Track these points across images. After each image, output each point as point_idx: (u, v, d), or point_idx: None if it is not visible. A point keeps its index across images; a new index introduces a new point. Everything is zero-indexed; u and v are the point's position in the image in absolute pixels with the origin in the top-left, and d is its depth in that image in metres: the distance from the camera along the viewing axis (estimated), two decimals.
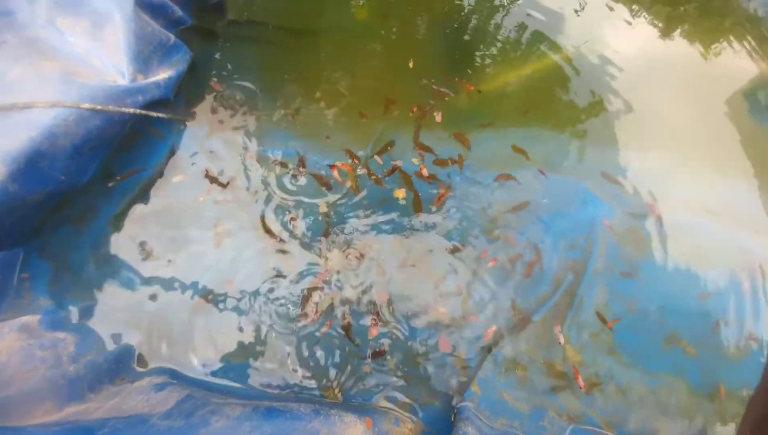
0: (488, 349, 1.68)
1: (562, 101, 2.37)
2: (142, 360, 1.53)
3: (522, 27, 2.61)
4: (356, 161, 2.04)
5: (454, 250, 1.87)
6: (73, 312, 1.56)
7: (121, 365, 1.44)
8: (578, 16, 2.71)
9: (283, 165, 2.01)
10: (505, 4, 2.70)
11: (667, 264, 1.94)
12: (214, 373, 1.55)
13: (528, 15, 2.64)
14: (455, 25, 2.59)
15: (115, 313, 1.63)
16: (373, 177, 2.01)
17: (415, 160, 2.07)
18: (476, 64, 2.44)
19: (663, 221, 2.03)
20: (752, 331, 1.83)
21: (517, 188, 2.04)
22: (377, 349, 1.66)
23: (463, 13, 2.64)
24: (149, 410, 1.17)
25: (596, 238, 1.94)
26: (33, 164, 1.53)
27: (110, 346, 1.50)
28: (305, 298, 1.73)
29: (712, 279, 1.93)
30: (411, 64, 2.37)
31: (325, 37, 2.45)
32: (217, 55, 2.34)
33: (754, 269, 1.97)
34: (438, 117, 2.20)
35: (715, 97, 2.45)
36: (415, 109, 2.22)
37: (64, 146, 1.61)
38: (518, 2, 2.69)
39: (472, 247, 1.89)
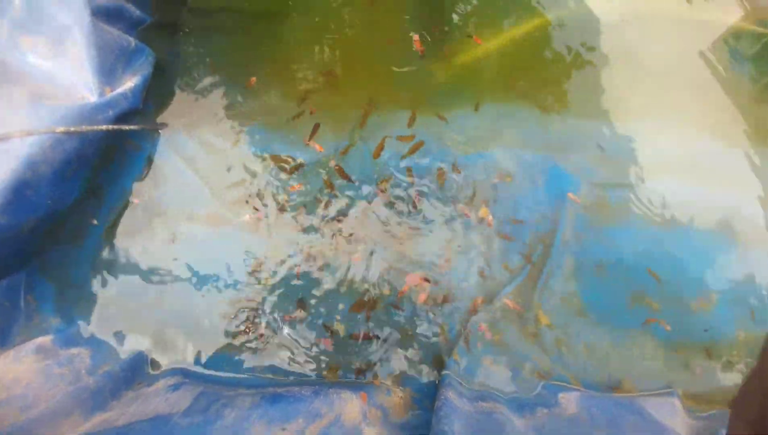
0: (467, 320, 1.86)
1: (535, 73, 2.34)
2: (155, 364, 1.68)
3: None
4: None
5: (430, 226, 2.00)
6: (83, 326, 1.69)
7: (136, 372, 1.59)
8: None
9: (264, 160, 2.06)
10: None
11: (634, 227, 2.06)
12: (221, 368, 1.71)
13: None
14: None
15: (123, 322, 1.76)
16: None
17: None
18: (456, 37, 2.36)
19: (632, 186, 2.13)
20: (709, 289, 1.99)
21: (492, 166, 2.12)
22: (367, 332, 1.82)
23: None
24: (170, 410, 1.33)
25: (563, 210, 2.06)
26: (19, 194, 1.57)
27: (123, 355, 1.64)
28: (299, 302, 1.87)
29: (678, 237, 2.06)
30: (390, 40, 2.32)
31: (298, 19, 2.35)
32: (181, 52, 2.26)
33: (724, 224, 2.10)
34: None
35: (696, 45, 2.41)
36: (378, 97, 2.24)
37: (45, 173, 1.65)
38: None
39: (446, 221, 2.01)
